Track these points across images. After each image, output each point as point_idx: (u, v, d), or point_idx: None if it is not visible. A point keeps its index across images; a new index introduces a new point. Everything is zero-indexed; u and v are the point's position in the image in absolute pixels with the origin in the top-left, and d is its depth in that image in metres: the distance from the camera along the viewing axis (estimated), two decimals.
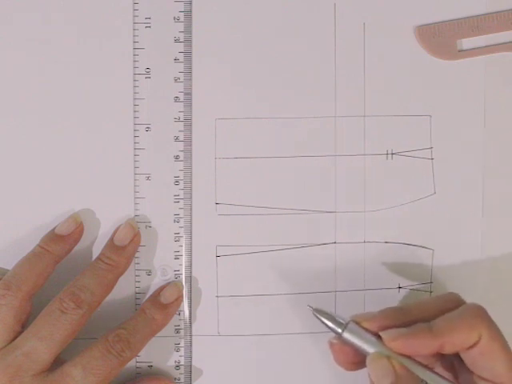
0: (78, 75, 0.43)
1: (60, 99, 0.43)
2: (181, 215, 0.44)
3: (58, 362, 0.39)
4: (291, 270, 0.44)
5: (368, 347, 0.38)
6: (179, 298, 0.43)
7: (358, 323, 0.38)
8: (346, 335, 0.38)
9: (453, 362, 0.40)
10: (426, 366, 0.38)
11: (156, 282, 0.44)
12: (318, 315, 0.39)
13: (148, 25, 0.43)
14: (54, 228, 0.42)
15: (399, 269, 0.45)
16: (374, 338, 0.38)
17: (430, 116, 0.44)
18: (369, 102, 0.44)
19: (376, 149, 0.44)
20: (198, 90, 0.43)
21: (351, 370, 0.39)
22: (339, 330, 0.38)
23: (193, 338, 0.44)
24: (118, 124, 0.43)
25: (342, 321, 0.39)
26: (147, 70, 0.43)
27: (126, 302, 0.44)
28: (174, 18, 0.43)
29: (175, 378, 0.44)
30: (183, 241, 0.44)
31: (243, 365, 0.44)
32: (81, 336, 0.40)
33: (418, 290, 0.45)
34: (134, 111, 0.43)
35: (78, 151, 0.43)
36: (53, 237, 0.42)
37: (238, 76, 0.44)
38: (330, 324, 0.39)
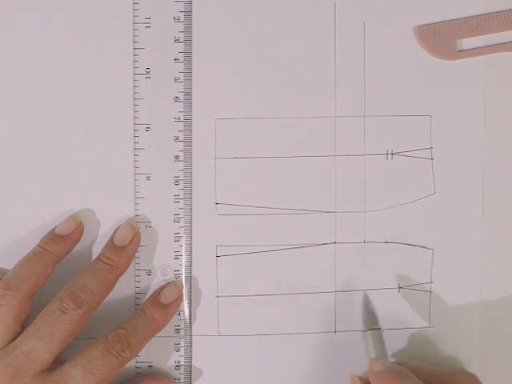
0: (78, 75, 0.43)
1: (60, 99, 0.43)
2: (181, 215, 0.44)
3: (57, 362, 0.39)
4: (291, 269, 0.44)
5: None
6: (179, 298, 0.43)
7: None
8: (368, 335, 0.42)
9: None
10: None
11: (156, 282, 0.44)
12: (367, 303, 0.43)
13: (148, 25, 0.43)
14: (54, 228, 0.42)
15: (399, 269, 0.45)
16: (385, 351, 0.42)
17: (430, 116, 0.44)
18: (369, 102, 0.44)
19: (376, 149, 0.44)
20: (198, 90, 0.43)
21: None
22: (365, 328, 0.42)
23: (193, 337, 0.44)
24: (118, 124, 0.43)
25: (375, 323, 0.42)
26: (147, 70, 0.43)
27: (125, 301, 0.44)
28: (174, 18, 0.43)
29: (175, 378, 0.44)
30: (183, 241, 0.44)
31: (243, 365, 0.44)
32: (81, 336, 0.40)
33: (417, 290, 0.45)
34: (134, 111, 0.43)
35: (78, 151, 0.43)
36: (53, 237, 0.42)
37: (238, 76, 0.44)
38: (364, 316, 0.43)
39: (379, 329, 0.43)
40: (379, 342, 0.42)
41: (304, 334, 0.44)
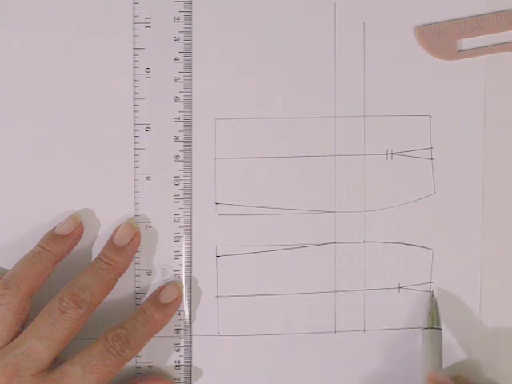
0: (78, 75, 0.43)
1: (60, 99, 0.43)
2: (181, 215, 0.44)
3: (57, 362, 0.39)
4: (291, 269, 0.44)
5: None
6: (179, 298, 0.43)
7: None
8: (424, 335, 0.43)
9: None
10: None
11: (156, 281, 0.44)
12: (435, 303, 0.44)
13: (148, 25, 0.43)
14: (54, 228, 0.42)
15: (399, 269, 0.45)
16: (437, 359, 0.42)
17: (430, 116, 0.44)
18: (369, 102, 0.44)
19: (376, 149, 0.44)
20: (197, 90, 0.43)
21: None
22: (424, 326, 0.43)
23: (193, 338, 0.44)
24: (118, 124, 0.43)
25: (436, 323, 0.43)
26: (147, 70, 0.43)
27: (125, 301, 0.44)
28: (174, 18, 0.43)
29: (175, 378, 0.44)
30: (183, 241, 0.44)
31: (243, 365, 0.44)
32: (81, 336, 0.40)
33: (417, 290, 0.45)
34: (134, 111, 0.43)
35: (78, 151, 0.43)
36: (53, 236, 0.42)
37: (238, 76, 0.44)
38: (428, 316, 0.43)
39: (440, 329, 0.43)
40: (437, 343, 0.42)
41: (304, 334, 0.44)
